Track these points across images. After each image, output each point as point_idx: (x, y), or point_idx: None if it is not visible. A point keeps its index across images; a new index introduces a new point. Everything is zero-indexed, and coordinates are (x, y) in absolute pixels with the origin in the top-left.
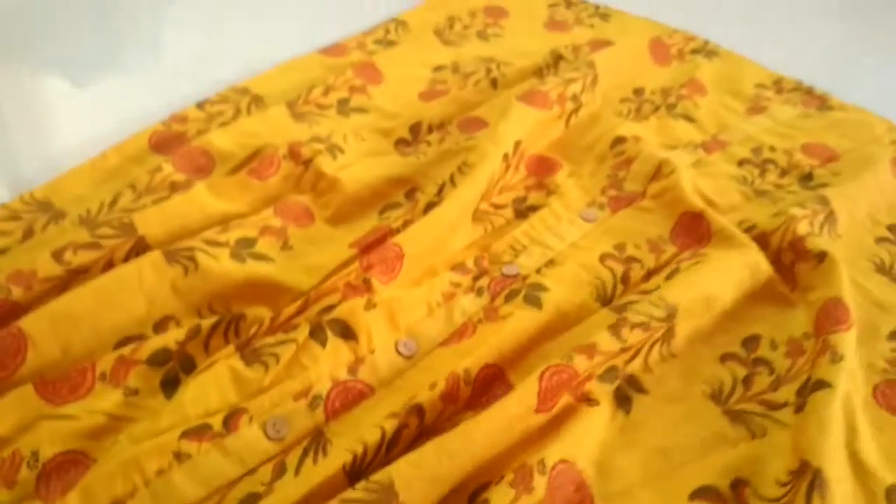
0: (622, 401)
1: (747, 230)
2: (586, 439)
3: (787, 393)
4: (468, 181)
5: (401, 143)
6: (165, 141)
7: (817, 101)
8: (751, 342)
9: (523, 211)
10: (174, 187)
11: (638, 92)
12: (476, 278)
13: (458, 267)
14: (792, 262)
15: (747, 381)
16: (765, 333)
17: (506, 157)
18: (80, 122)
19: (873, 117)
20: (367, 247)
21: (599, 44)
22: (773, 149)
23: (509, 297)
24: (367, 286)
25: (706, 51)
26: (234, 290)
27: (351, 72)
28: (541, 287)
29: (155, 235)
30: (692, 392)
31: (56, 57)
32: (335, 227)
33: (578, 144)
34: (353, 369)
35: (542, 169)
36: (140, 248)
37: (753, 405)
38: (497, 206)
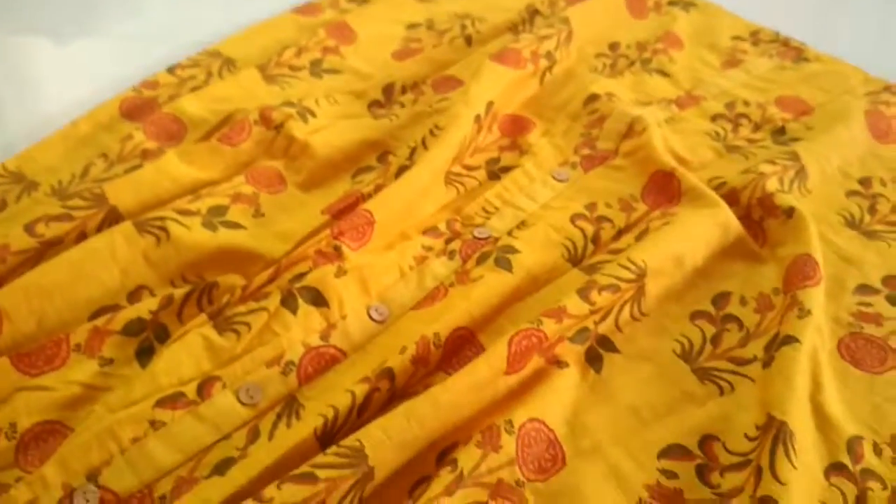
0: (593, 360)
1: (717, 187)
2: (556, 399)
3: (755, 348)
4: (439, 144)
5: (374, 105)
6: (136, 107)
7: (793, 52)
8: (721, 299)
9: (496, 172)
10: (145, 155)
11: (613, 47)
12: (448, 241)
13: (430, 230)
14: (761, 217)
15: (716, 338)
16: (735, 290)
17: (478, 118)
18: (62, 84)
19: (849, 68)
20: (339, 213)
21: None
22: (746, 103)
23: (480, 260)
24: (337, 253)
25: (683, 2)
26: (207, 258)
27: (323, 32)
28: (512, 249)
29: (126, 205)
30: (662, 350)
31: (33, 20)
32: (307, 192)
33: (552, 103)
34: (325, 335)
35: (516, 129)
36: (112, 218)
37: (723, 362)
38: (470, 168)
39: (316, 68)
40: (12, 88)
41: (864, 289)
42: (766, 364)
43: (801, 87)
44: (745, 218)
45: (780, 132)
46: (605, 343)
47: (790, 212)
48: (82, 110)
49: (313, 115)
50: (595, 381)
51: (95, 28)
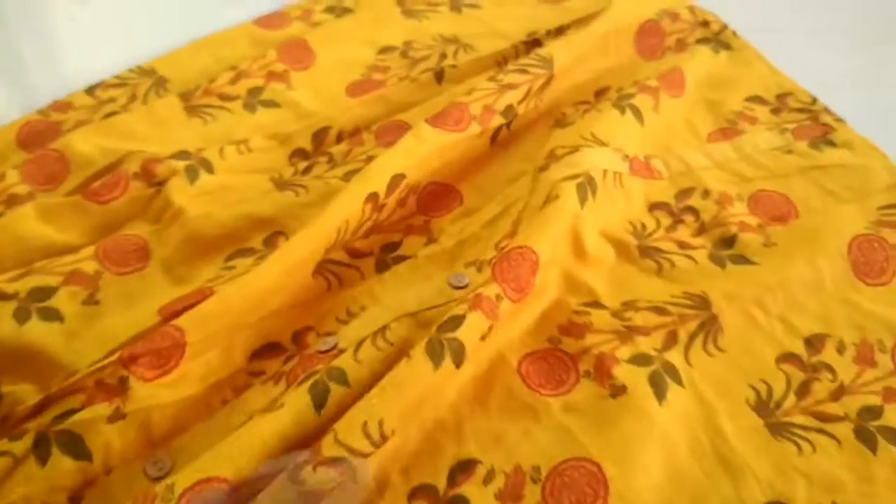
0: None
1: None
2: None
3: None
4: (304, 231)
5: (297, 155)
6: (37, 135)
7: (819, 130)
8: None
9: (387, 262)
10: (11, 202)
11: (600, 94)
12: (287, 360)
13: (267, 347)
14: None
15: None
16: None
17: (372, 197)
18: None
19: (881, 162)
20: (176, 314)
21: (591, 21)
22: (706, 193)
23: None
24: (121, 386)
25: (718, 40)
26: (6, 359)
27: (274, 53)
28: (339, 375)
29: None
30: None
31: None
32: (168, 273)
33: (497, 171)
34: (75, 496)
35: (436, 204)
36: None
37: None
38: (356, 255)
39: (252, 99)
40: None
41: None
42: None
43: (798, 181)
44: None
45: (726, 243)
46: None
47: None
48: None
49: (210, 170)
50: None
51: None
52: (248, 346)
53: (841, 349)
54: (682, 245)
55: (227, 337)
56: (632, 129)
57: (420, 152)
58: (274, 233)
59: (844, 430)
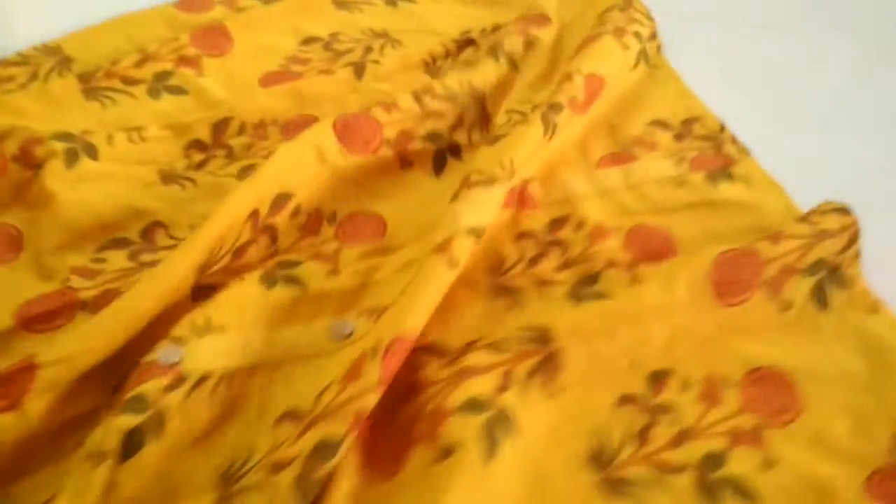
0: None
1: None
2: None
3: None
4: (172, 257)
5: (194, 147)
6: None
7: (719, 161)
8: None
9: (276, 278)
10: None
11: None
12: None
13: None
14: None
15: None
16: None
17: (254, 215)
18: None
19: (780, 202)
20: (34, 319)
21: (530, 21)
22: (580, 225)
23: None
24: None
25: (642, 50)
26: None
27: (187, 37)
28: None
29: None
30: None
31: None
32: (36, 266)
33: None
34: None
35: (354, 232)
36: None
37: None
38: (249, 267)
39: (158, 84)
40: None
41: None
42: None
43: (684, 217)
44: None
45: (589, 280)
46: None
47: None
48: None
49: (94, 156)
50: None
51: None
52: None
53: (686, 386)
54: (541, 282)
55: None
56: (541, 151)
57: (316, 172)
58: (152, 223)
59: (685, 481)
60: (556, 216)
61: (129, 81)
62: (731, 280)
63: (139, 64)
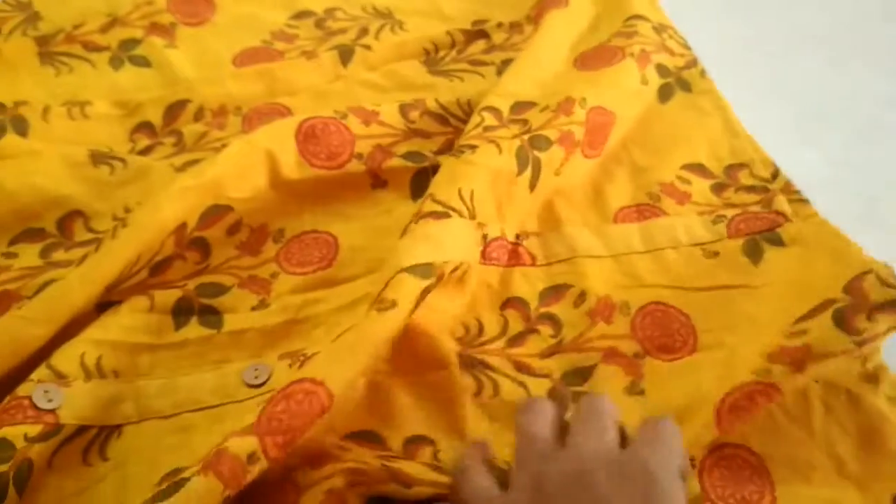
0: None
1: None
2: None
3: None
4: (77, 272)
5: (141, 130)
6: None
7: (767, 222)
8: None
9: (192, 309)
10: None
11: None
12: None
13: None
14: None
15: None
16: None
17: (180, 228)
18: None
19: (842, 270)
20: None
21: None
22: (581, 298)
23: None
24: None
25: (678, 77)
26: None
27: (164, 2)
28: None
29: None
30: None
31: None
32: None
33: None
34: None
35: (299, 256)
36: None
37: None
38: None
39: (122, 53)
40: None
41: None
42: None
43: (710, 300)
44: None
45: (579, 376)
46: None
47: None
48: None
49: (22, 132)
50: None
51: None
52: None
53: None
54: (520, 367)
55: None
56: (518, 195)
57: (265, 184)
58: (71, 212)
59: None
60: (555, 282)
61: (90, 47)
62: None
63: (106, 28)
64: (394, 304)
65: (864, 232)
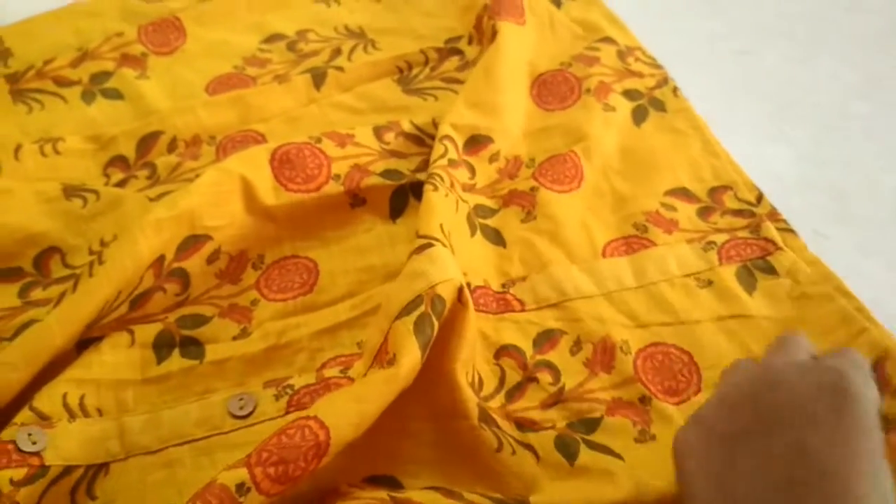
0: None
1: None
2: None
3: None
4: (55, 314)
5: (115, 164)
6: None
7: (757, 249)
8: None
9: (173, 341)
10: None
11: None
12: None
13: None
14: None
15: None
16: None
17: (158, 261)
18: None
19: (837, 305)
20: None
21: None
22: (578, 345)
23: None
24: None
25: (650, 97)
26: None
27: (134, 31)
28: None
29: None
30: None
31: None
32: None
33: (383, 255)
34: None
35: (279, 282)
36: None
37: None
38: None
39: (94, 86)
40: None
41: None
42: None
43: (709, 332)
44: None
45: (586, 427)
46: None
47: None
48: None
49: None
50: None
51: None
52: None
53: None
54: (522, 424)
55: None
56: (484, 254)
57: (242, 211)
58: (47, 249)
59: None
60: (548, 326)
61: (62, 83)
62: None
63: (76, 63)
64: (394, 359)
65: (836, 227)
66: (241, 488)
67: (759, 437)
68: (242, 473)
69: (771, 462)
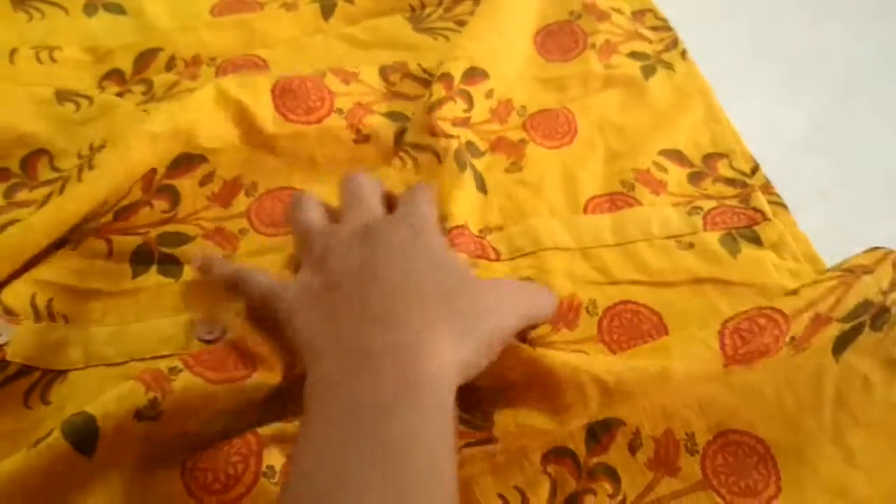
0: None
1: None
2: None
3: None
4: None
5: (111, 78)
6: None
7: (744, 219)
8: None
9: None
10: None
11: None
12: None
13: None
14: None
15: None
16: None
17: (149, 174)
18: None
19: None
20: None
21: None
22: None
23: None
24: None
25: (658, 59)
26: None
27: None
28: None
29: None
30: None
31: None
32: None
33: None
34: None
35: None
36: None
37: None
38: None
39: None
40: None
41: None
42: None
43: (683, 294)
44: None
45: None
46: None
47: None
48: None
49: None
50: None
51: None
52: None
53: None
54: None
55: None
56: (467, 196)
57: (239, 137)
58: (36, 151)
59: None
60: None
61: None
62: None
63: None
64: None
65: (842, 190)
66: (173, 370)
67: (350, 287)
68: (174, 360)
69: (366, 302)
